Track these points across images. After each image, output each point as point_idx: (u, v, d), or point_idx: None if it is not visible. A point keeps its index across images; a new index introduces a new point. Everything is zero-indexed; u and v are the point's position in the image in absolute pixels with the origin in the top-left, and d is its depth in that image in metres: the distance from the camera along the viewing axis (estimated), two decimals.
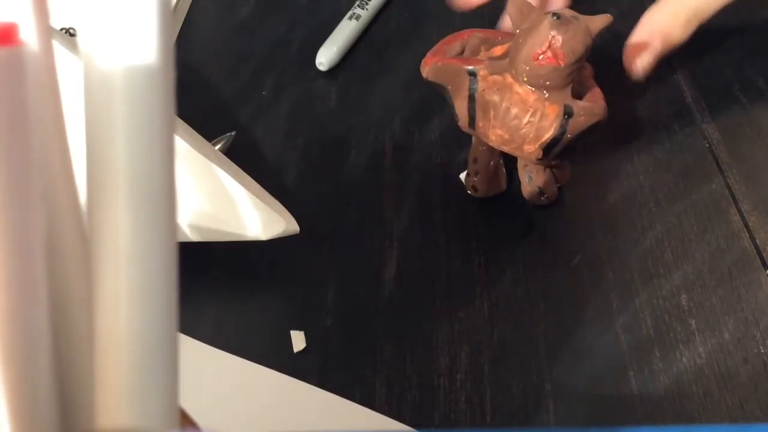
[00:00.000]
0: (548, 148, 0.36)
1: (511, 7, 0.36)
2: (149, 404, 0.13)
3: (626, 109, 0.45)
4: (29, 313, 0.12)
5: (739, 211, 0.40)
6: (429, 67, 0.38)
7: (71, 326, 0.14)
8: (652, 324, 0.35)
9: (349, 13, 0.51)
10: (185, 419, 0.15)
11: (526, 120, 0.35)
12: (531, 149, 0.36)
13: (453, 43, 0.39)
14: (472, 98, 0.37)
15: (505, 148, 0.37)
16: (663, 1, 0.43)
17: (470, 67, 0.36)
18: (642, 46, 0.42)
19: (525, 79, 0.35)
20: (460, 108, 0.37)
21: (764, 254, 0.38)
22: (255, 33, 0.52)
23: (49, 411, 0.13)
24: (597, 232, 0.39)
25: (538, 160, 0.37)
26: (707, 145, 0.43)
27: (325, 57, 0.48)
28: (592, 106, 0.36)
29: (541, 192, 0.39)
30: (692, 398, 0.32)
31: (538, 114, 0.35)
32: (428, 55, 0.38)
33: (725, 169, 0.42)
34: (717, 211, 0.40)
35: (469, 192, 0.40)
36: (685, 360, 0.34)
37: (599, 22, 0.35)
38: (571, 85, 0.35)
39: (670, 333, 0.35)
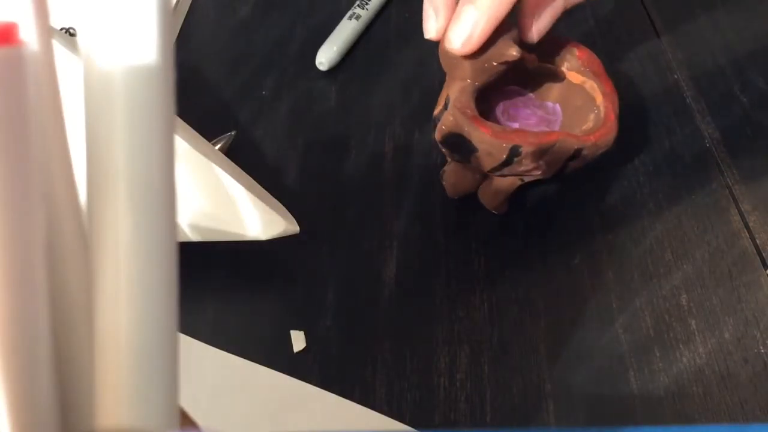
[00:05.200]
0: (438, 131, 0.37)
1: None
2: (149, 404, 0.13)
3: (626, 109, 0.45)
4: (29, 313, 0.12)
5: (739, 211, 0.40)
6: None
7: (71, 326, 0.14)
8: (652, 324, 0.35)
9: (349, 13, 0.51)
10: (185, 419, 0.15)
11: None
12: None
13: None
14: None
15: None
16: None
17: None
18: (540, 6, 0.37)
19: None
20: None
21: (764, 254, 0.38)
22: (255, 33, 0.52)
23: (49, 411, 0.13)
24: (597, 232, 0.39)
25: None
26: (707, 145, 0.43)
27: (325, 57, 0.48)
28: (448, 118, 0.36)
29: (443, 178, 0.40)
30: (692, 398, 0.32)
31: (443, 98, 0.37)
32: None
33: (725, 169, 0.42)
34: (717, 211, 0.40)
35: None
36: (685, 360, 0.34)
37: (506, 51, 0.35)
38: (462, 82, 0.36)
39: (670, 333, 0.35)
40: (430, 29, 0.35)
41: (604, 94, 0.38)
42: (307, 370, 0.34)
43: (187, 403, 0.15)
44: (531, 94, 0.41)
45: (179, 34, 0.52)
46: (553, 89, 0.41)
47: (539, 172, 0.36)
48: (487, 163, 0.36)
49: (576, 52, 0.40)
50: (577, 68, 0.40)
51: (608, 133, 0.37)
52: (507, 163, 0.35)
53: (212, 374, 0.34)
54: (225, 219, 0.34)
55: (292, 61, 0.50)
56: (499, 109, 0.41)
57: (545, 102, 0.41)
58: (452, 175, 0.40)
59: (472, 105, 0.36)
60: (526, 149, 0.34)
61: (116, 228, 0.13)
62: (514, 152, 0.35)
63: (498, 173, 0.37)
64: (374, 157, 0.43)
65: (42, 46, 0.13)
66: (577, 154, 0.36)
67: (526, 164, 0.36)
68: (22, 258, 0.12)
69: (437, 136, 0.36)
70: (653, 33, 0.50)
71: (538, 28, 0.36)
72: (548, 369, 0.34)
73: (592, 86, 0.39)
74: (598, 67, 0.40)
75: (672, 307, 0.36)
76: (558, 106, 0.40)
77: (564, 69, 0.40)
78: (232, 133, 0.44)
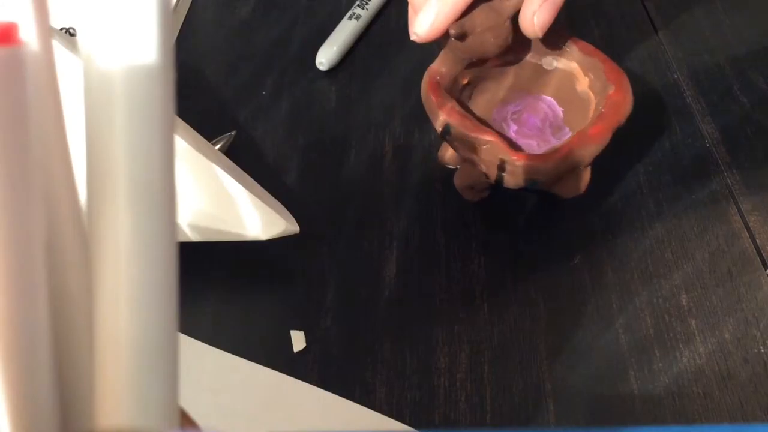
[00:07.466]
0: None
1: None
2: (149, 404, 0.13)
3: None
4: (29, 313, 0.12)
5: (739, 211, 0.40)
6: None
7: (71, 326, 0.14)
8: (652, 324, 0.35)
9: (349, 13, 0.51)
10: (185, 419, 0.15)
11: None
12: None
13: None
14: None
15: None
16: None
17: None
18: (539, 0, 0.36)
19: None
20: None
21: (764, 254, 0.38)
22: (255, 33, 0.52)
23: (49, 411, 0.13)
24: (597, 232, 0.39)
25: None
26: (707, 145, 0.43)
27: (325, 57, 0.48)
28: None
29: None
30: (692, 398, 0.32)
31: None
32: None
33: (725, 169, 0.42)
34: (717, 211, 0.40)
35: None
36: (685, 360, 0.34)
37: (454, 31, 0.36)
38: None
39: (670, 333, 0.35)
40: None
41: (582, 134, 0.36)
42: (307, 370, 0.34)
43: (187, 403, 0.15)
44: (561, 114, 0.41)
45: (179, 34, 0.52)
46: (567, 108, 0.41)
47: (483, 170, 0.37)
48: (439, 133, 0.38)
49: (612, 90, 0.38)
50: (600, 91, 0.38)
51: (542, 162, 0.35)
52: (444, 137, 0.37)
53: (212, 374, 0.34)
54: (225, 219, 0.34)
55: (292, 61, 0.50)
56: (515, 108, 0.41)
57: (565, 126, 0.40)
58: (443, 147, 0.41)
59: (448, 75, 0.38)
60: (455, 132, 0.36)
61: (116, 228, 0.13)
62: (446, 130, 0.36)
63: (456, 150, 0.38)
64: (374, 157, 0.43)
65: (42, 46, 0.12)
66: (502, 166, 0.35)
67: (463, 150, 0.37)
68: (22, 258, 0.12)
69: None
70: (653, 33, 0.50)
71: (539, 22, 0.36)
72: (548, 369, 0.34)
73: (592, 122, 0.37)
74: (618, 111, 0.37)
75: (672, 307, 0.36)
76: (569, 135, 0.39)
77: (591, 94, 0.39)
78: (232, 133, 0.44)
